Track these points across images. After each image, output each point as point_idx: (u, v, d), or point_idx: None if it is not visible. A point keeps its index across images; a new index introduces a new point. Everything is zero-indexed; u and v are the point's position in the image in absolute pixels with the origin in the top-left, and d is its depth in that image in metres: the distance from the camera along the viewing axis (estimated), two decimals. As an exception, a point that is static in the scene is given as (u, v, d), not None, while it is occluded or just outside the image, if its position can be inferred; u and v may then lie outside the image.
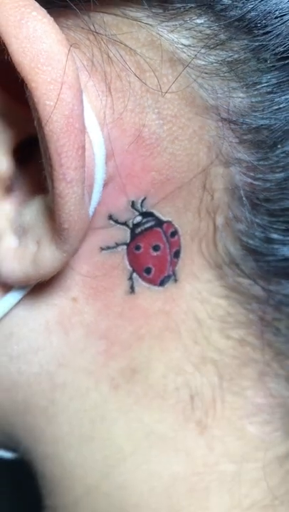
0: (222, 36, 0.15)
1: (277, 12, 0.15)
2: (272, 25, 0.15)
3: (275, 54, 0.15)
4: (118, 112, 0.16)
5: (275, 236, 0.19)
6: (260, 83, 0.16)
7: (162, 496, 0.22)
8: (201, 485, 0.21)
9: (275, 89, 0.16)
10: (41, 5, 0.15)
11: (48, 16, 0.14)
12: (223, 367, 0.21)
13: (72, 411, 0.22)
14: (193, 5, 0.15)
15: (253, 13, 0.15)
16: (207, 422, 0.22)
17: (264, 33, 0.15)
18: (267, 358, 0.22)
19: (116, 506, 0.22)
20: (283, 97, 0.16)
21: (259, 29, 0.15)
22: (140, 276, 0.20)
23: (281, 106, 0.16)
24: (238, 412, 0.22)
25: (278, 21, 0.15)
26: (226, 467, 0.22)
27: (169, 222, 0.19)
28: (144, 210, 0.18)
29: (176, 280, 0.20)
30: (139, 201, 0.18)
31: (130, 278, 0.20)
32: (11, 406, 0.22)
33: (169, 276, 0.20)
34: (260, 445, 0.22)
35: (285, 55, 0.15)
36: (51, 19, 0.14)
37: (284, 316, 0.21)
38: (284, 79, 0.16)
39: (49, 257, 0.17)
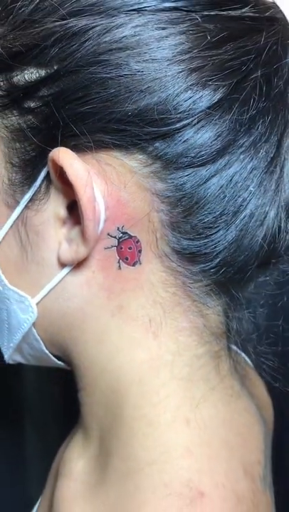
0: (149, 161, 0.32)
1: (184, 155, 0.32)
2: (180, 165, 0.32)
3: (173, 168, 0.32)
4: (109, 191, 0.32)
5: (184, 242, 0.33)
6: (168, 179, 0.32)
7: (136, 369, 0.35)
8: (155, 365, 0.35)
9: (175, 182, 0.32)
10: (77, 150, 0.32)
11: (80, 161, 0.31)
12: (165, 306, 0.35)
13: (92, 326, 0.35)
14: (142, 156, 0.31)
15: (167, 157, 0.32)
16: (158, 333, 0.35)
17: (166, 162, 0.33)
18: (188, 304, 0.35)
19: (115, 377, 0.35)
20: (179, 184, 0.32)
21: (167, 163, 0.32)
22: (123, 261, 0.34)
23: (177, 187, 0.32)
24: (173, 329, 0.35)
25: (186, 160, 0.32)
26: (167, 357, 0.35)
27: (135, 236, 0.33)
28: (123, 231, 0.33)
29: (140, 263, 0.34)
30: (121, 227, 0.33)
31: (118, 262, 0.34)
32: (64, 325, 0.36)
33: (136, 262, 0.33)
34: (185, 347, 0.35)
35: (179, 166, 0.32)
36: (82, 161, 0.31)
37: (193, 281, 0.35)
38: (180, 177, 0.32)
39: (82, 251, 0.33)
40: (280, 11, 0.35)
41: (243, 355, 0.45)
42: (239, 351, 0.43)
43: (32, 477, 0.70)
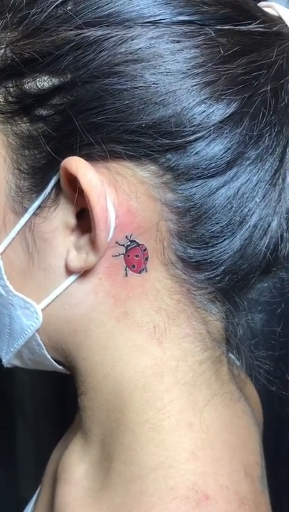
0: (160, 172, 0.33)
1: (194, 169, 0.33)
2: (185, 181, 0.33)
3: (184, 179, 0.33)
4: (120, 201, 0.32)
5: (190, 251, 0.34)
6: (179, 189, 0.33)
7: (140, 375, 0.35)
8: (159, 371, 0.35)
9: (185, 192, 0.33)
10: (88, 159, 0.32)
11: (94, 171, 0.31)
12: (169, 313, 0.35)
13: (97, 333, 0.35)
14: (154, 167, 0.32)
15: (180, 166, 0.33)
16: (162, 339, 0.35)
17: (177, 173, 0.34)
18: (191, 310, 0.36)
19: (118, 383, 0.35)
20: (188, 195, 0.33)
21: (178, 175, 0.33)
22: (130, 269, 0.34)
23: (187, 197, 0.33)
24: (177, 335, 0.35)
25: (197, 172, 0.33)
26: (171, 363, 0.35)
27: (142, 244, 0.33)
28: (131, 239, 0.33)
29: (146, 271, 0.34)
30: (129, 235, 0.33)
31: (125, 270, 0.34)
32: (68, 331, 0.36)
33: (143, 269, 0.34)
34: (189, 353, 0.36)
35: (190, 178, 0.33)
36: (95, 172, 0.31)
37: (198, 289, 0.36)
38: (190, 188, 0.33)
39: (91, 259, 0.33)
40: (286, 25, 0.35)
41: (232, 356, 0.46)
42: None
43: (23, 477, 0.70)
